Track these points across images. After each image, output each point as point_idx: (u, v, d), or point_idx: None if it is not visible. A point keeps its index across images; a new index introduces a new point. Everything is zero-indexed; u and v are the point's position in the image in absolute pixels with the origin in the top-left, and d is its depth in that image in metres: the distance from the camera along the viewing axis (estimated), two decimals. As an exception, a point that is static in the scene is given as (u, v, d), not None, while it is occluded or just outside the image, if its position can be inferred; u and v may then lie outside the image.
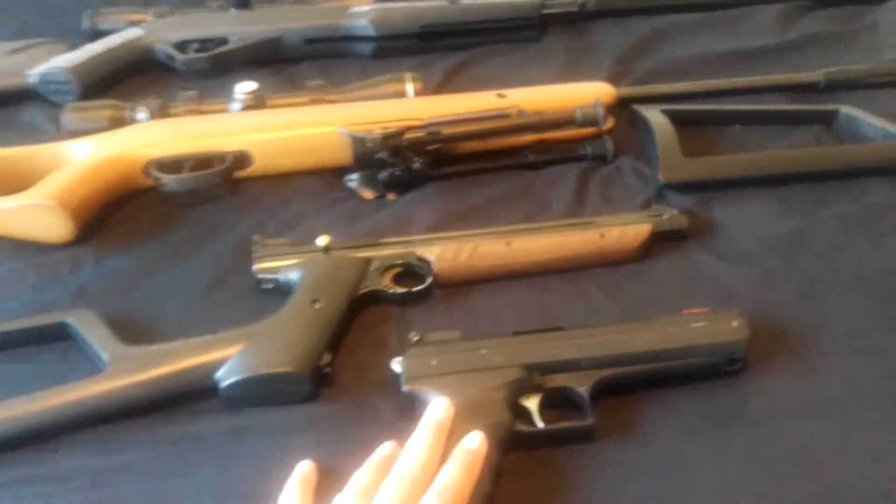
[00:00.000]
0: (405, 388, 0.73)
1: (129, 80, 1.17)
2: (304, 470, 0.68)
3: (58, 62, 1.12)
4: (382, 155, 0.96)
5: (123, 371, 0.73)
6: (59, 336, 0.80)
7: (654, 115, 1.03)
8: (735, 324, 0.76)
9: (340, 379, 0.77)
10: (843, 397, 0.75)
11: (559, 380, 0.73)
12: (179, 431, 0.73)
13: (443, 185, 1.00)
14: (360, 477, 0.66)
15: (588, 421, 0.71)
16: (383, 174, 0.98)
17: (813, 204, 0.96)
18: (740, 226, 0.93)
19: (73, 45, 1.18)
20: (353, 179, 1.00)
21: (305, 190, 0.99)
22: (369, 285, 0.84)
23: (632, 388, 0.75)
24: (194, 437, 0.72)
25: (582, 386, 0.73)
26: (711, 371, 0.76)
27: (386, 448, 0.69)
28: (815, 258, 0.89)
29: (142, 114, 1.02)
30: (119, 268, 0.89)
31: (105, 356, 0.75)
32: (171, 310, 0.85)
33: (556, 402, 0.74)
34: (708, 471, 0.69)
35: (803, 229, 0.93)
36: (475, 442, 0.67)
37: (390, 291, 0.84)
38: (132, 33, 1.19)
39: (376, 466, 0.67)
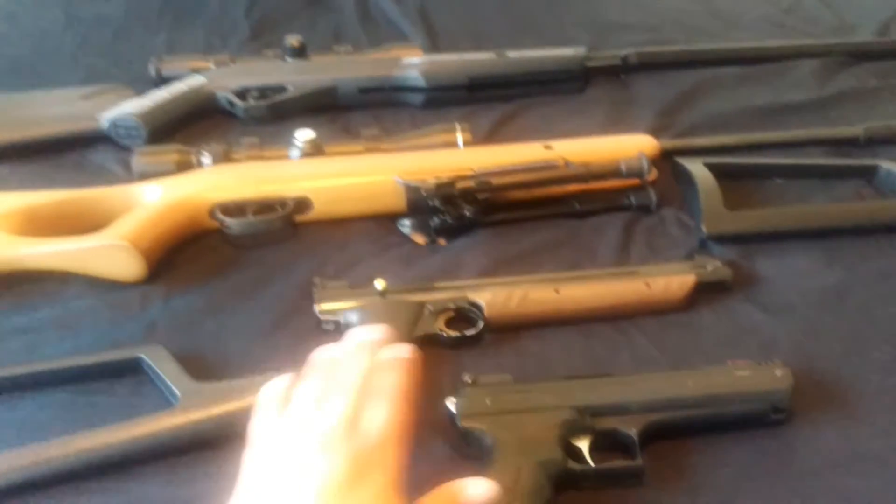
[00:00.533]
0: (461, 424, 0.76)
1: (192, 125, 1.22)
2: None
3: (128, 108, 1.17)
4: (435, 202, 1.00)
5: (195, 405, 0.77)
6: (132, 370, 0.84)
7: (697, 168, 1.07)
8: (779, 373, 0.79)
9: (397, 419, 0.81)
10: (886, 451, 0.77)
11: (609, 422, 0.76)
12: (245, 465, 0.76)
13: (492, 231, 1.03)
14: (312, 386, 0.63)
15: (637, 462, 0.74)
16: (435, 220, 1.02)
17: (854, 257, 0.99)
18: (783, 278, 0.96)
19: (139, 91, 1.23)
20: (406, 225, 1.04)
21: (361, 234, 1.03)
22: (424, 329, 0.88)
23: (680, 433, 0.78)
24: (260, 471, 0.76)
25: (631, 428, 0.76)
26: (756, 420, 0.78)
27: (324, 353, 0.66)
28: (858, 311, 0.92)
29: (206, 158, 1.07)
30: (186, 306, 0.93)
31: (177, 391, 0.79)
32: (236, 348, 0.88)
33: (607, 444, 0.76)
34: (756, 521, 0.71)
35: (846, 282, 0.95)
36: (404, 350, 0.65)
37: (444, 335, 0.88)
38: (195, 81, 1.25)
39: (322, 375, 0.64)
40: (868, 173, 1.11)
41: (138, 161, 1.08)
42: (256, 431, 0.63)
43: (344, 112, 1.27)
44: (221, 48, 1.43)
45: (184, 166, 1.07)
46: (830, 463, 0.76)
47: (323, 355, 0.67)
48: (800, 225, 1.02)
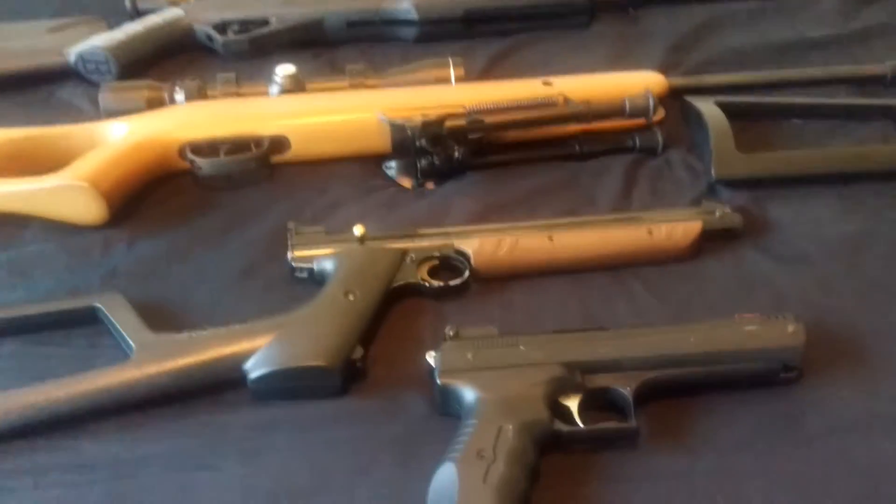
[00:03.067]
0: (440, 381, 0.70)
1: (167, 61, 1.15)
2: None
3: (96, 41, 1.10)
4: (422, 143, 0.93)
5: (150, 359, 0.72)
6: (88, 320, 0.78)
7: (708, 108, 0.98)
8: (791, 329, 0.72)
9: (372, 373, 0.75)
10: (906, 412, 0.70)
11: (601, 380, 0.70)
12: (205, 423, 0.71)
13: (483, 174, 0.96)
14: None
15: (631, 423, 0.68)
16: (423, 162, 0.94)
17: (876, 206, 0.91)
18: (797, 226, 0.89)
19: (113, 25, 1.16)
20: (391, 167, 0.97)
21: (342, 177, 0.96)
22: (405, 278, 0.81)
23: (678, 393, 0.72)
24: (220, 429, 0.71)
25: (625, 387, 0.69)
26: (764, 379, 0.72)
27: None
28: (878, 262, 0.85)
29: (179, 95, 1.00)
30: (151, 252, 0.87)
31: (132, 342, 0.73)
32: (202, 296, 0.83)
33: (598, 404, 0.70)
34: (760, 488, 0.66)
35: (865, 232, 0.88)
36: None
37: (426, 285, 0.81)
38: (172, 14, 1.17)
39: None
40: (895, 114, 1.02)
41: (105, 97, 1.01)
42: None
43: (330, 48, 1.19)
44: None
45: (155, 103, 1.00)
46: (844, 427, 0.69)
47: None
48: (818, 169, 0.94)
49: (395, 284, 0.81)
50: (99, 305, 0.77)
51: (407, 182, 0.96)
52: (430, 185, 0.96)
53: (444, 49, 1.13)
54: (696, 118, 0.99)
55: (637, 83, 1.00)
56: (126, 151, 0.91)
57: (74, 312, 0.78)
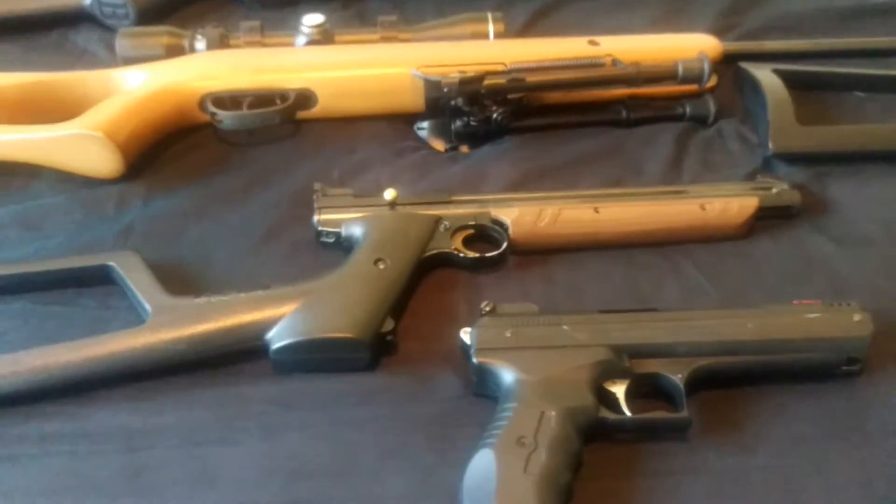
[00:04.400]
0: (476, 360, 0.65)
1: (188, 7, 1.10)
2: None
3: (115, -17, 1.04)
4: (458, 102, 0.87)
5: (166, 324, 0.67)
6: (100, 279, 0.74)
7: (766, 76, 0.92)
8: (857, 318, 0.67)
9: (402, 348, 0.70)
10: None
11: (651, 365, 0.65)
12: (223, 395, 0.67)
13: (523, 139, 0.90)
14: None
15: (682, 413, 0.63)
16: (457, 123, 0.89)
17: (947, 185, 0.85)
18: (860, 206, 0.83)
19: (132, -33, 1.10)
20: (423, 128, 0.92)
21: (372, 136, 0.91)
22: (438, 246, 0.76)
23: (732, 382, 0.67)
24: (239, 402, 0.66)
25: (677, 374, 0.64)
26: (824, 371, 0.67)
27: None
28: (950, 248, 0.79)
29: (200, 43, 0.94)
30: (168, 209, 0.83)
31: (148, 305, 0.69)
32: (221, 259, 0.78)
33: (646, 391, 0.66)
34: (819, 488, 0.61)
35: (936, 214, 0.82)
36: None
37: (461, 255, 0.76)
38: (194, -43, 1.11)
39: None
40: (966, 89, 0.96)
41: (122, 43, 0.95)
42: None
43: (360, -2, 1.12)
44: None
45: (174, 51, 0.94)
46: (911, 426, 0.64)
47: None
48: (883, 146, 0.88)
49: (428, 253, 0.75)
50: (113, 264, 0.73)
51: (439, 145, 0.90)
52: (464, 149, 0.90)
53: (480, 4, 1.06)
54: (751, 86, 0.93)
55: (689, 47, 0.94)
56: (143, 101, 0.86)
57: (87, 271, 0.74)
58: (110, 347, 0.66)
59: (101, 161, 0.82)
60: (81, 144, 0.81)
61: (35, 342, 0.68)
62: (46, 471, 0.62)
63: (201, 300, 0.69)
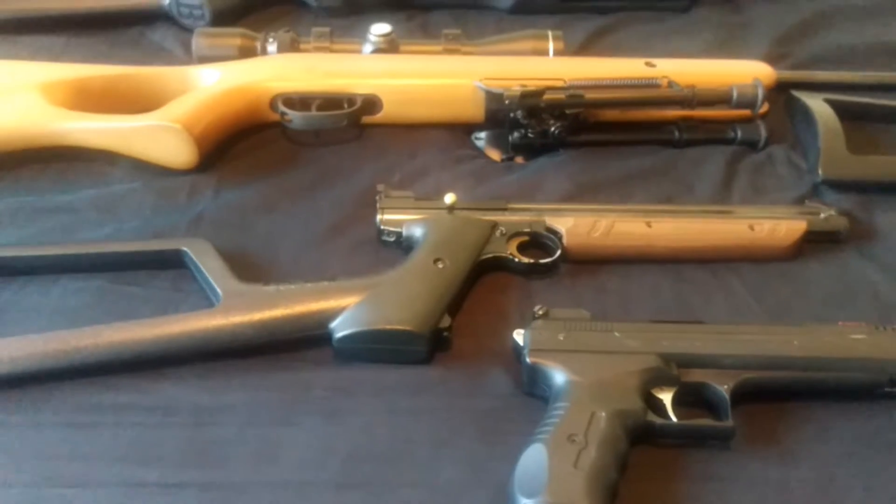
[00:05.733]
0: (529, 359, 0.67)
1: (261, 10, 1.14)
2: None
3: (193, -15, 1.09)
4: (517, 114, 0.90)
5: (237, 308, 0.70)
6: (173, 263, 0.77)
7: (818, 104, 0.94)
8: (901, 341, 0.68)
9: (456, 345, 0.73)
10: None
11: (698, 375, 0.67)
12: (287, 379, 0.70)
13: (577, 153, 0.93)
14: None
15: (727, 422, 0.65)
16: (515, 135, 0.92)
17: None
18: (907, 235, 0.84)
19: (207, -29, 1.15)
20: (481, 138, 0.95)
21: (432, 143, 0.94)
22: (494, 251, 0.79)
23: (775, 397, 0.69)
24: (302, 387, 0.69)
25: (723, 385, 0.67)
26: (867, 391, 0.69)
27: None
28: None
29: (272, 46, 0.98)
30: (238, 201, 0.86)
31: (219, 291, 0.72)
32: (287, 251, 0.81)
33: (690, 400, 0.68)
34: (860, 500, 0.62)
35: (982, 246, 0.83)
36: None
37: (515, 260, 0.79)
38: (267, -36, 1.15)
39: None
40: None
41: (199, 42, 1.00)
42: None
43: (423, 11, 1.16)
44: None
45: (247, 52, 0.99)
46: (951, 449, 0.66)
47: None
48: (931, 178, 0.89)
49: (484, 256, 0.78)
50: (186, 250, 0.76)
51: (496, 155, 0.94)
52: (519, 160, 0.93)
53: (539, 22, 1.10)
54: (803, 114, 0.95)
55: (743, 73, 0.96)
56: (218, 97, 0.90)
57: (162, 254, 0.77)
58: (183, 327, 0.69)
59: (177, 152, 0.86)
60: (160, 135, 0.85)
61: (111, 318, 0.71)
62: (119, 439, 0.65)
63: (270, 288, 0.72)
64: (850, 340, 0.69)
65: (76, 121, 0.86)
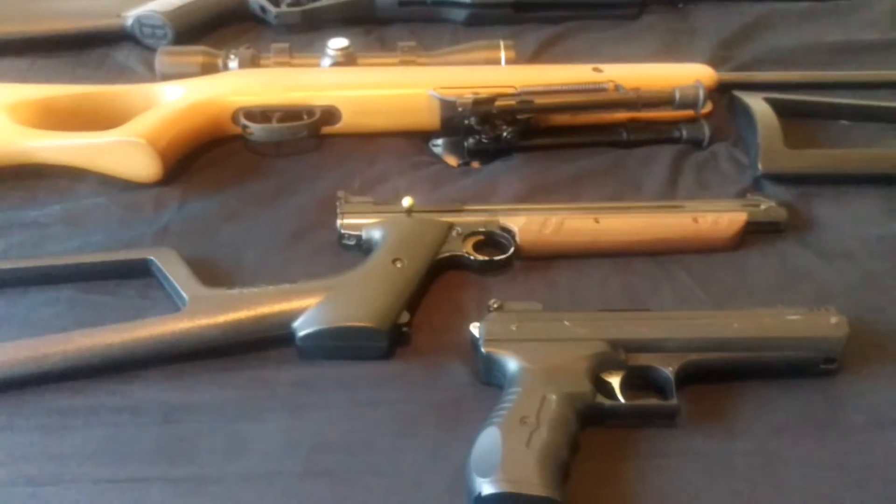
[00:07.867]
0: (484, 349, 0.71)
1: (221, 29, 1.17)
2: None
3: (154, 6, 1.12)
4: (471, 121, 0.94)
5: (202, 312, 0.73)
6: (140, 272, 0.80)
7: (757, 103, 0.99)
8: (834, 320, 0.72)
9: (415, 340, 0.76)
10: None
11: (644, 359, 0.71)
12: (251, 377, 0.73)
13: (530, 156, 0.97)
14: None
15: (672, 401, 0.69)
16: (470, 141, 0.95)
17: (922, 207, 0.91)
18: (842, 224, 0.89)
19: (169, -8, 1.18)
20: (438, 144, 0.98)
21: (390, 151, 0.98)
22: (450, 250, 0.82)
23: (718, 377, 0.72)
24: (267, 384, 0.72)
25: (668, 367, 0.70)
26: (804, 368, 0.73)
27: None
28: (923, 263, 0.84)
29: (233, 63, 1.01)
30: (202, 211, 0.89)
31: (185, 296, 0.75)
32: (251, 257, 0.84)
33: (639, 383, 0.71)
34: (799, 474, 0.66)
35: (910, 232, 0.88)
36: None
37: (471, 258, 0.82)
38: (227, -16, 1.19)
39: None
40: (944, 120, 1.02)
41: (162, 60, 1.02)
42: None
43: (381, 26, 1.20)
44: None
45: (209, 69, 1.02)
46: (882, 422, 0.70)
47: None
48: (864, 169, 0.95)
49: (441, 255, 0.82)
50: (153, 258, 0.79)
51: (452, 160, 0.97)
52: (475, 164, 0.97)
53: (493, 33, 1.14)
54: (743, 113, 0.99)
55: (687, 75, 1.00)
56: (182, 113, 0.93)
57: (129, 264, 0.80)
58: (151, 331, 0.72)
59: (142, 166, 0.89)
60: (126, 150, 0.88)
61: (81, 325, 0.73)
62: (92, 439, 0.67)
63: (234, 291, 0.75)
64: (787, 321, 0.73)
65: (43, 139, 0.89)
